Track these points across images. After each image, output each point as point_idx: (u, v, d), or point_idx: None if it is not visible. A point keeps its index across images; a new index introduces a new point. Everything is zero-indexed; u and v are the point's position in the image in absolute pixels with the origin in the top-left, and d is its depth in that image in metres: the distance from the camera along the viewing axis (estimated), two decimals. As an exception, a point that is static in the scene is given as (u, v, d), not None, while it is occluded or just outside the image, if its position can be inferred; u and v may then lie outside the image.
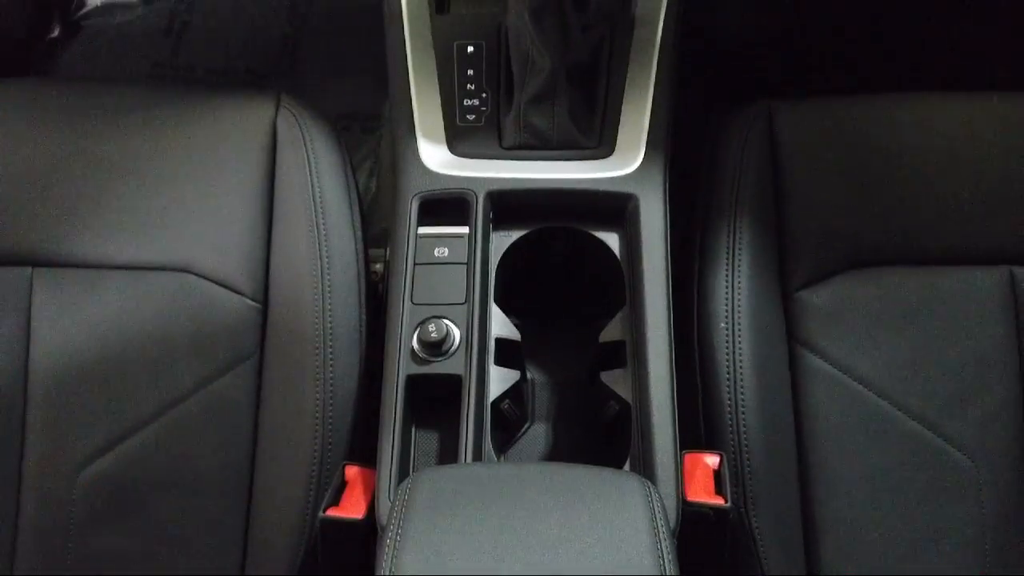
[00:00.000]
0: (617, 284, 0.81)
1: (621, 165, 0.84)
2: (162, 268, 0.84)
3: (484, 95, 0.88)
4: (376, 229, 1.32)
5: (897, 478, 0.79)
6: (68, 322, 0.82)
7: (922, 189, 0.87)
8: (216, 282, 0.83)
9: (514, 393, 0.79)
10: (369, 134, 1.55)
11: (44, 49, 1.56)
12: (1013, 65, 1.33)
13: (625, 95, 0.87)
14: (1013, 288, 0.83)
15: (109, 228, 0.84)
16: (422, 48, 0.89)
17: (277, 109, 0.89)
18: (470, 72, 0.88)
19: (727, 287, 0.82)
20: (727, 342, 0.80)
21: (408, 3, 0.88)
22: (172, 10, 1.61)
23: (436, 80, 0.88)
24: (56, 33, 1.57)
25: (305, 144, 0.87)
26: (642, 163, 0.83)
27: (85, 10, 1.60)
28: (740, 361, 0.79)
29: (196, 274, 0.83)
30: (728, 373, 0.79)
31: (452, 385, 0.74)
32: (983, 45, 1.40)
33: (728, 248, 0.84)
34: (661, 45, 0.87)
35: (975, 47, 1.40)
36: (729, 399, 0.79)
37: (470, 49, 0.89)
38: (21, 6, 1.51)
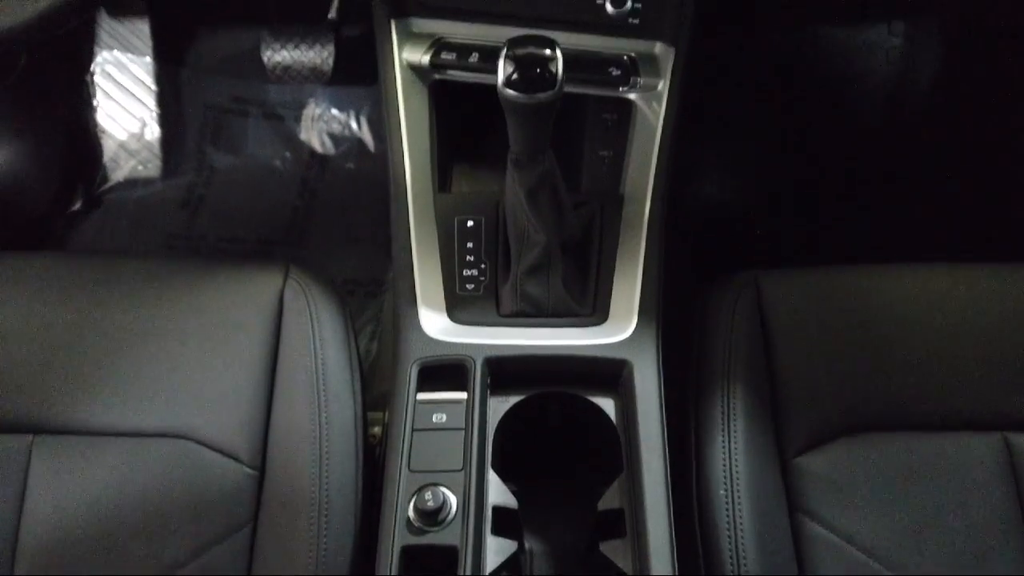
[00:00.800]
0: (614, 450, 0.81)
1: (614, 332, 0.87)
2: (161, 435, 0.84)
3: (483, 266, 0.92)
4: (376, 392, 1.33)
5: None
6: (63, 490, 0.81)
7: (911, 357, 0.88)
8: (214, 449, 0.84)
9: (512, 565, 0.77)
10: (372, 299, 1.60)
11: (65, 222, 1.64)
12: (996, 236, 1.40)
13: (617, 266, 0.91)
14: (1010, 454, 0.83)
15: (112, 396, 0.86)
16: (425, 222, 0.94)
17: (285, 279, 0.93)
18: (470, 244, 0.93)
19: (724, 454, 0.82)
20: (727, 511, 0.79)
21: (413, 182, 0.94)
22: (190, 184, 1.71)
23: (437, 252, 0.93)
24: (78, 206, 1.66)
25: (310, 313, 0.90)
26: (635, 330, 0.86)
27: (108, 185, 1.70)
28: (741, 531, 0.78)
29: (195, 441, 0.84)
30: (730, 544, 0.78)
31: (448, 557, 0.72)
32: (968, 217, 1.47)
33: (723, 415, 0.85)
34: (649, 219, 0.92)
35: (960, 219, 1.48)
36: (732, 571, 0.76)
37: (470, 224, 0.94)
38: (48, 182, 1.61)
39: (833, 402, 0.86)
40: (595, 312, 0.90)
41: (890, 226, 1.52)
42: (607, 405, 0.84)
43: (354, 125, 1.74)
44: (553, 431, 0.91)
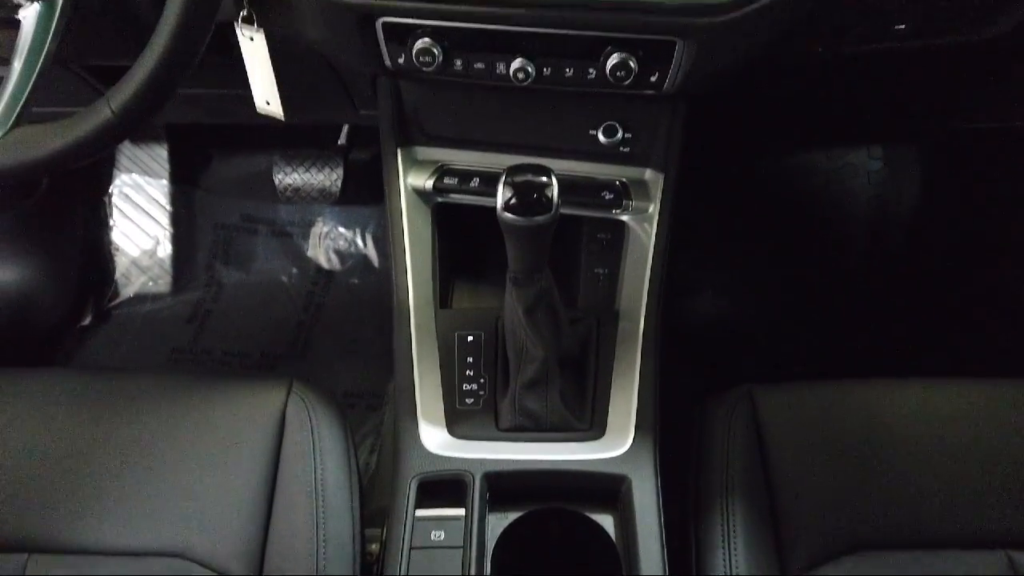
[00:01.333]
0: (614, 568, 0.81)
1: (612, 447, 0.88)
2: (157, 554, 0.83)
3: (482, 380, 0.94)
4: (374, 507, 1.32)
5: None
6: (51, 612, 0.80)
7: (909, 473, 0.88)
8: (209, 567, 0.83)
9: None
10: (372, 412, 1.60)
11: (73, 336, 1.67)
12: (985, 352, 1.42)
13: (613, 380, 0.93)
14: (1014, 573, 0.82)
15: (109, 514, 0.85)
16: (426, 337, 0.97)
17: (288, 394, 0.94)
18: (469, 359, 0.96)
19: (725, 574, 0.81)
20: (731, 634, 0.77)
21: (415, 298, 0.97)
22: (198, 299, 1.75)
23: (438, 366, 0.95)
24: (87, 321, 1.69)
25: (312, 430, 0.91)
26: (632, 445, 0.87)
27: (118, 300, 1.74)
28: (745, 654, 0.76)
29: (190, 559, 0.83)
30: (733, 667, 0.75)
31: None
32: (967, 336, 1.50)
33: (723, 533, 0.84)
34: (644, 334, 0.95)
35: (948, 334, 1.50)
36: None
37: (470, 339, 0.96)
38: (61, 298, 1.65)
39: (834, 519, 0.86)
40: (593, 426, 0.91)
41: (880, 341, 1.54)
42: (606, 522, 0.84)
43: (359, 242, 1.80)
44: (552, 548, 0.90)
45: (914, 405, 0.95)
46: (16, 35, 0.71)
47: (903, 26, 0.79)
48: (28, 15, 0.70)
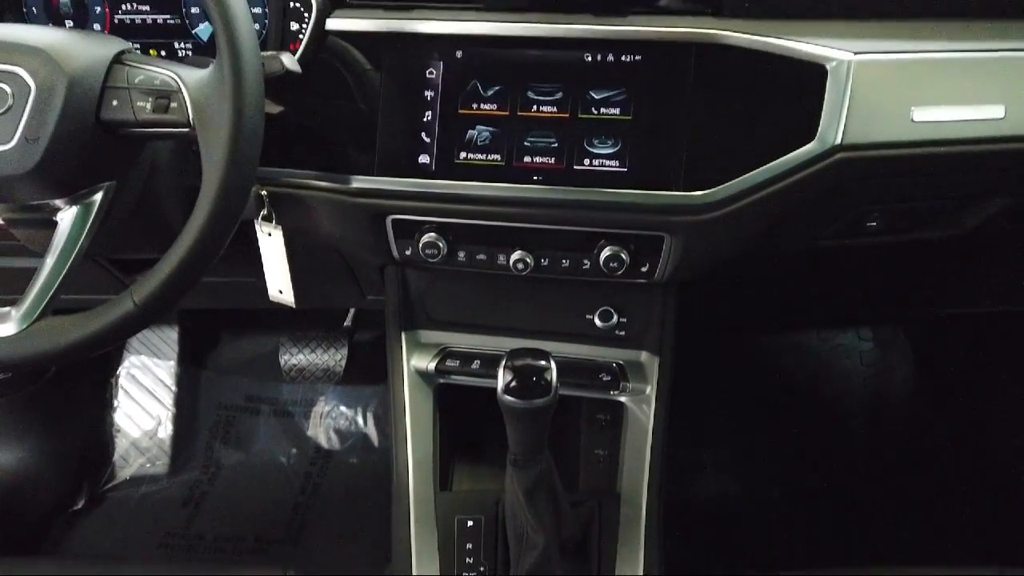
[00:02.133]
0: None
1: None
2: None
3: (482, 568, 0.92)
4: None
5: None
6: None
7: None
8: None
9: None
10: (367, 604, 1.53)
11: (64, 520, 1.63)
12: (996, 535, 1.38)
13: (617, 567, 0.91)
14: None
15: None
16: (425, 522, 0.95)
17: None
18: (469, 545, 0.94)
19: None
20: None
21: (415, 481, 0.97)
22: (195, 481, 1.72)
23: (436, 553, 0.93)
24: (80, 505, 1.66)
25: (305, 623, 0.88)
26: None
27: (114, 483, 1.72)
28: None
29: None
30: None
31: None
32: (969, 516, 1.46)
33: None
34: (647, 518, 0.93)
35: (958, 518, 1.47)
36: None
37: (470, 523, 0.95)
38: (57, 484, 1.62)
39: None
40: (599, 618, 0.87)
41: (881, 521, 1.50)
42: None
43: (360, 421, 1.80)
44: None
45: None
46: (51, 234, 0.76)
47: (874, 223, 0.86)
48: (65, 217, 0.75)
